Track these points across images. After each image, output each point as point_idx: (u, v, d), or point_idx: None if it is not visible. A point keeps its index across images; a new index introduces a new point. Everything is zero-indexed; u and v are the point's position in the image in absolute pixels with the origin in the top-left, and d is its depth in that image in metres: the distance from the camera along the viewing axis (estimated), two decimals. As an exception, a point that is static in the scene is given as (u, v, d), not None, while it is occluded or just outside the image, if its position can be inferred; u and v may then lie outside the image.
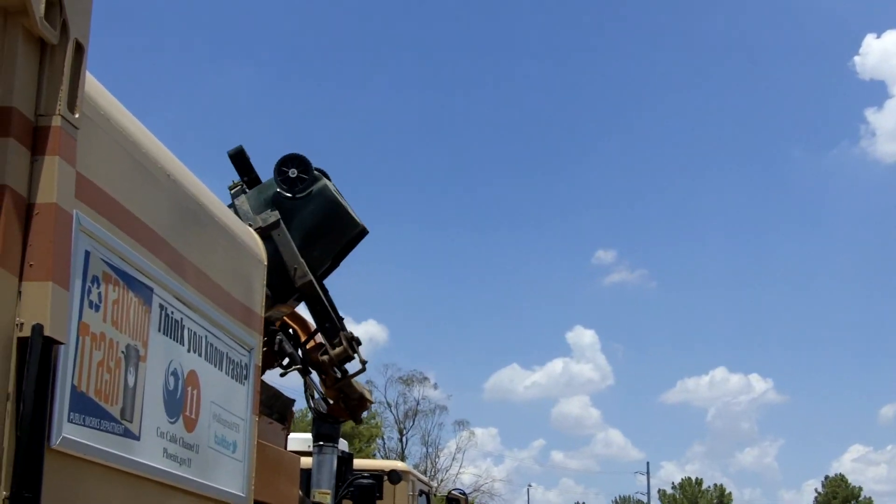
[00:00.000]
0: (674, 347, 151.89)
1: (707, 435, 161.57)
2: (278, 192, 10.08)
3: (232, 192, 10.29)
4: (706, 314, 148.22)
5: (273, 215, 9.92)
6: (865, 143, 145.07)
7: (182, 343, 6.60)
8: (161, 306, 6.29)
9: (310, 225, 10.11)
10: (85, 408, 5.40)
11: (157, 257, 6.22)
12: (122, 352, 5.81)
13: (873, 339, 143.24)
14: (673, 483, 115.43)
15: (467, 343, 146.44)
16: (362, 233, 10.71)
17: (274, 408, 9.76)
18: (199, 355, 6.85)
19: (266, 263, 8.33)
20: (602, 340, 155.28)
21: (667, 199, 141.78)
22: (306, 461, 10.50)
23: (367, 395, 11.19)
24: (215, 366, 7.11)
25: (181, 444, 6.53)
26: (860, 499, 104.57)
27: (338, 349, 10.47)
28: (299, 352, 10.80)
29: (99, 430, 5.53)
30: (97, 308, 5.54)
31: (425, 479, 13.58)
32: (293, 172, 10.09)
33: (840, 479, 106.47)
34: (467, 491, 12.64)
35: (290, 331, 11.01)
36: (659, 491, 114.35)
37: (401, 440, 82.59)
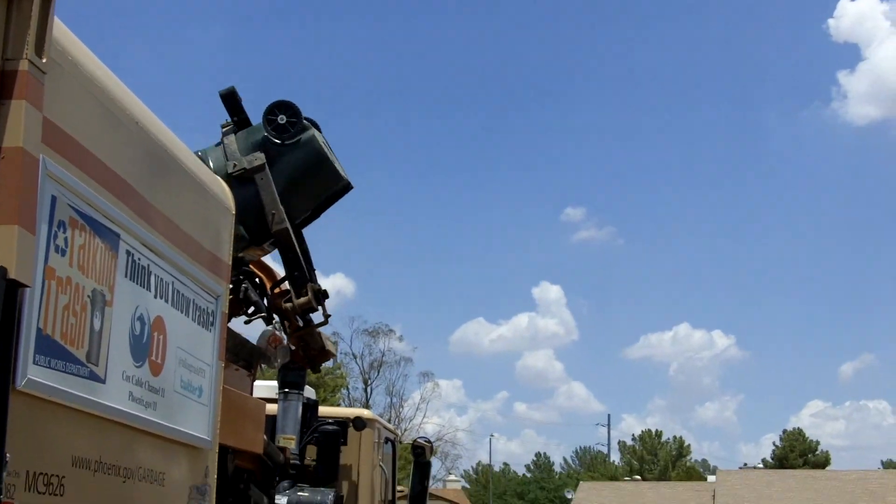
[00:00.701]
0: (638, 304, 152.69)
1: (668, 389, 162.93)
2: (266, 136, 10.08)
3: (223, 130, 10.29)
4: (671, 272, 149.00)
5: (258, 158, 9.93)
6: (837, 104, 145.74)
7: (148, 289, 6.64)
8: (128, 252, 6.33)
9: (293, 173, 10.12)
10: (50, 350, 5.44)
11: (124, 203, 6.25)
12: (88, 296, 5.84)
13: (835, 298, 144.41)
14: (633, 435, 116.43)
15: (434, 296, 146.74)
16: (346, 188, 10.73)
17: (240, 355, 9.82)
18: (166, 301, 6.89)
19: (234, 212, 8.36)
20: (568, 296, 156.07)
21: (638, 159, 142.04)
22: (272, 408, 10.57)
23: (331, 347, 11.24)
24: (182, 312, 7.15)
25: (147, 387, 6.58)
26: (817, 452, 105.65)
27: (302, 299, 10.50)
28: (265, 300, 10.84)
29: (64, 372, 5.58)
30: (63, 253, 5.58)
31: (391, 426, 13.68)
32: (282, 119, 10.08)
33: (798, 434, 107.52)
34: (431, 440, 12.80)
35: (257, 280, 11.05)
36: (619, 442, 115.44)
37: (365, 390, 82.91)
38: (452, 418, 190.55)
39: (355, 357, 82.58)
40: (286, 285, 10.76)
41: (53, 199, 5.45)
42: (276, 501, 10.20)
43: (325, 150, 10.45)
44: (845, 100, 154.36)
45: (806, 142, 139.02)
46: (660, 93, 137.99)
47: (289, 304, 10.52)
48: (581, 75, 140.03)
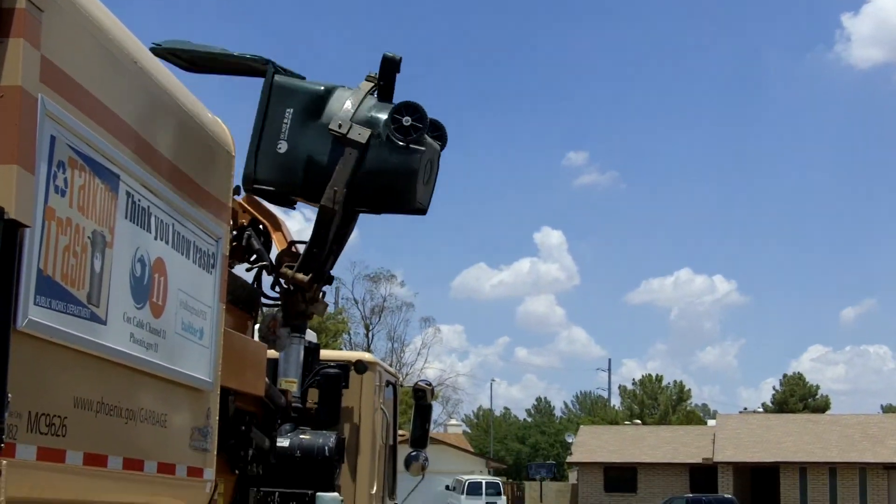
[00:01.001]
0: (640, 249, 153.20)
1: (669, 334, 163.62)
2: (385, 125, 9.95)
3: (367, 85, 10.22)
4: (674, 217, 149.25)
5: (362, 134, 9.83)
6: (840, 48, 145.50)
7: (149, 230, 6.61)
8: (128, 193, 6.30)
9: (378, 169, 10.00)
10: (51, 291, 5.43)
11: (123, 144, 6.21)
12: (89, 237, 5.82)
13: (837, 243, 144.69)
14: (633, 379, 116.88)
15: (436, 242, 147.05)
16: (417, 211, 10.68)
17: (241, 298, 9.81)
18: (166, 243, 6.87)
19: (234, 154, 8.30)
20: (569, 241, 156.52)
21: (640, 103, 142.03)
22: (273, 351, 10.57)
23: (318, 311, 11.16)
24: (182, 254, 7.13)
25: (148, 329, 6.58)
26: (817, 397, 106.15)
27: (300, 275, 10.45)
28: (271, 255, 10.84)
29: (65, 313, 5.57)
30: (63, 193, 5.55)
31: (392, 370, 13.69)
32: (407, 120, 9.87)
33: (798, 378, 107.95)
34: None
35: (261, 226, 11.02)
36: (619, 387, 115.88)
37: (367, 336, 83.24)
38: (453, 363, 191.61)
39: (356, 302, 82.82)
40: (296, 248, 10.78)
41: (52, 138, 5.41)
42: (278, 444, 10.23)
43: (422, 170, 10.26)
44: (849, 43, 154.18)
45: (809, 85, 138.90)
46: (663, 36, 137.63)
47: (288, 270, 10.49)
48: (584, 18, 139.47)
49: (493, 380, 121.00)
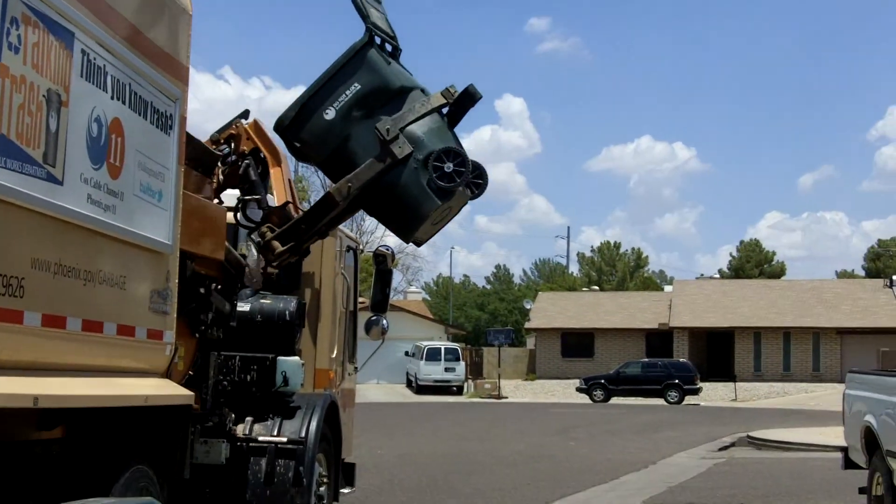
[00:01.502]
0: (601, 116, 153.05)
1: (628, 201, 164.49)
2: (426, 159, 9.58)
3: (441, 99, 9.79)
4: (636, 84, 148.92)
5: (403, 148, 9.45)
6: None
7: (105, 90, 6.49)
8: (83, 51, 6.16)
9: (397, 192, 9.67)
10: (6, 150, 5.34)
11: (78, 1, 6.06)
12: (44, 96, 5.71)
13: (797, 109, 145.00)
14: (592, 247, 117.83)
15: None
16: (411, 242, 10.59)
17: (200, 161, 9.70)
18: (123, 103, 6.75)
19: (191, 14, 8.12)
20: (531, 109, 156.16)
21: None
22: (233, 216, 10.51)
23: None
24: (139, 114, 7.01)
25: (105, 190, 6.49)
26: (773, 263, 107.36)
27: (278, 244, 10.21)
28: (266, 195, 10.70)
29: (21, 173, 5.48)
30: (17, 50, 5.42)
31: (352, 235, 13.68)
32: (448, 167, 9.52)
33: (755, 244, 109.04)
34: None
35: (262, 155, 10.83)
36: (578, 254, 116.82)
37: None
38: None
39: (317, 170, 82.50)
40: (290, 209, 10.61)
41: (5, -6, 5.27)
42: (239, 308, 10.23)
43: (437, 214, 9.98)
44: None
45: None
46: None
47: (269, 231, 10.26)
48: None
49: (452, 248, 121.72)
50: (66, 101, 5.95)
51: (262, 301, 10.47)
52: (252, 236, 10.33)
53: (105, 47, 6.44)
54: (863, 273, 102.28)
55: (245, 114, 11.10)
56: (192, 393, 7.84)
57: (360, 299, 14.56)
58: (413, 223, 9.98)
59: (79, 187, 6.15)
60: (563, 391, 59.50)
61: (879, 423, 10.94)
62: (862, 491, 11.85)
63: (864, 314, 66.23)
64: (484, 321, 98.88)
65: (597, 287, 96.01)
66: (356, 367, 13.74)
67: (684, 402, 51.06)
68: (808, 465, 22.40)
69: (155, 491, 7.23)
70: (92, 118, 6.31)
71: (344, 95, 9.66)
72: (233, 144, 10.75)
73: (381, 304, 13.01)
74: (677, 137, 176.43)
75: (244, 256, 10.51)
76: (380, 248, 12.97)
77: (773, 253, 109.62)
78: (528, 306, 79.31)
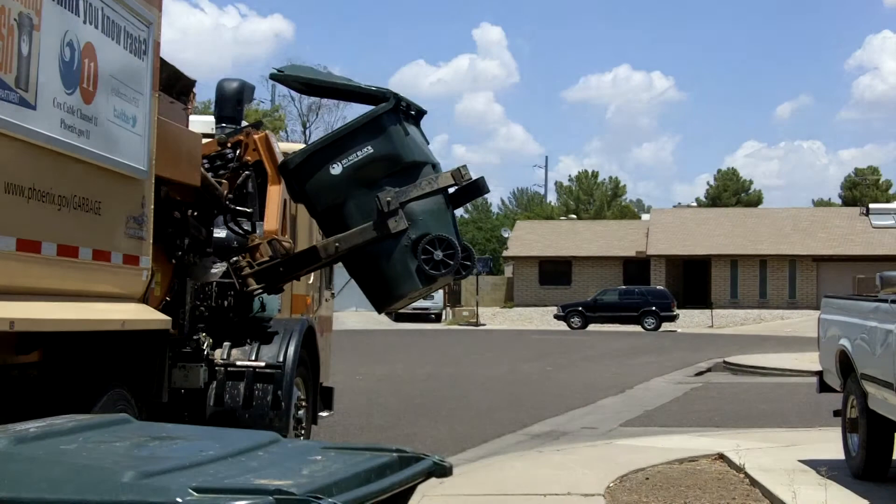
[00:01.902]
0: (579, 45, 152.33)
1: (606, 131, 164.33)
2: (417, 243, 9.36)
3: (447, 179, 9.56)
4: (614, 12, 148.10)
5: (399, 226, 9.21)
6: None
7: (77, 14, 6.46)
8: (54, -25, 6.13)
9: (381, 264, 9.43)
10: (-22, 74, 5.33)
11: (47, -76, 6.02)
12: (15, 19, 5.69)
13: (775, 39, 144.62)
14: (570, 176, 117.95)
15: (373, 39, 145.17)
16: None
17: (175, 87, 9.65)
18: (96, 27, 6.72)
19: None
20: (509, 37, 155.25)
21: None
22: (209, 142, 10.49)
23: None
24: (113, 39, 6.98)
25: (79, 115, 6.49)
26: (750, 192, 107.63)
27: (252, 280, 10.04)
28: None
29: (-7, 97, 5.48)
30: (-14, -27, 5.40)
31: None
32: (438, 255, 9.29)
33: (732, 173, 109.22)
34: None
35: (264, 169, 10.73)
36: (556, 183, 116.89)
37: (304, 133, 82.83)
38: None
39: (293, 99, 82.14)
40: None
41: (-28, -85, 5.23)
42: (215, 235, 10.24)
43: (417, 294, 9.86)
44: None
45: None
46: None
47: (247, 267, 10.08)
48: None
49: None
50: (37, 25, 5.93)
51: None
52: (230, 261, 10.16)
53: (76, -29, 6.40)
54: (839, 201, 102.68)
55: (258, 125, 11.07)
56: (168, 318, 7.89)
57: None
58: (389, 298, 9.82)
59: (52, 112, 6.15)
60: (541, 318, 59.84)
61: (854, 346, 11.03)
62: (837, 413, 11.91)
63: (840, 242, 66.59)
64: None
65: (574, 216, 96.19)
66: (333, 294, 13.79)
67: (661, 329, 51.42)
68: (783, 389, 22.64)
69: (133, 414, 7.29)
70: (64, 42, 6.29)
71: (354, 155, 9.42)
72: (238, 151, 10.62)
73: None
74: (655, 66, 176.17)
75: (220, 183, 10.50)
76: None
77: (751, 182, 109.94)
78: (505, 235, 79.43)
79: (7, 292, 5.78)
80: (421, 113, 10.08)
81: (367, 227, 9.31)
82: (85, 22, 6.57)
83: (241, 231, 10.39)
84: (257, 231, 10.39)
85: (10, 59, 5.66)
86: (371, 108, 9.56)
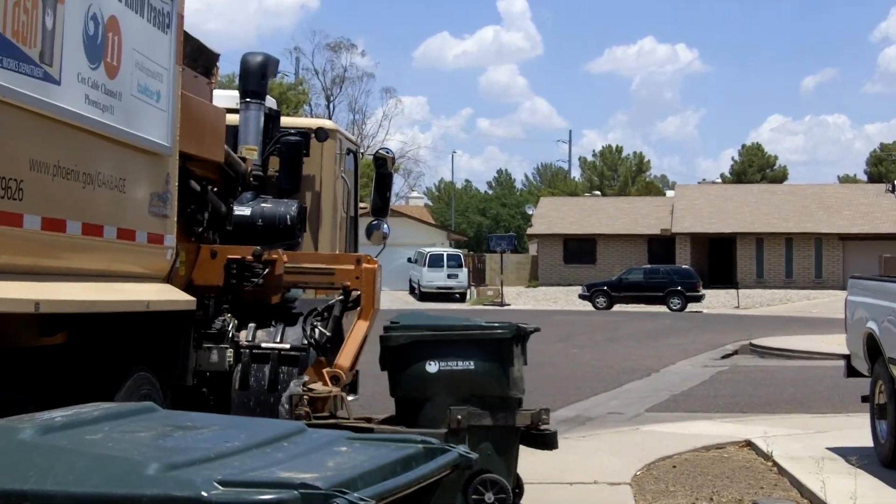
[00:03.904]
0: (604, 17, 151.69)
1: (630, 104, 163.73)
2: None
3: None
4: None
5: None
6: None
7: (101, -14, 6.33)
8: (77, -54, 6.00)
9: None
10: (2, 48, 5.21)
11: None
12: (39, -8, 5.57)
13: (800, 11, 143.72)
14: (594, 151, 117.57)
15: (398, 11, 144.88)
16: None
17: (199, 61, 9.52)
18: (120, 0, 6.59)
19: None
20: (533, 9, 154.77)
21: None
22: (233, 118, 10.37)
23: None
24: (136, 12, 6.85)
25: (103, 90, 6.37)
26: (775, 167, 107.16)
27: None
28: None
29: (18, 72, 5.37)
30: (10, -55, 5.27)
31: (353, 137, 13.52)
32: (489, 497, 8.50)
33: (756, 148, 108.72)
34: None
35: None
36: (580, 158, 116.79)
37: (328, 107, 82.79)
38: (415, 136, 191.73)
39: (317, 73, 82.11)
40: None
41: None
42: (240, 212, 10.12)
43: None
44: None
45: None
46: None
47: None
48: None
49: (454, 152, 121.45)
50: (61, -1, 5.80)
51: (262, 205, 10.35)
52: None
53: (101, -57, 6.27)
54: (865, 178, 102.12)
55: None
56: (193, 298, 7.78)
57: (361, 204, 14.45)
58: None
59: (76, 87, 6.03)
60: (566, 298, 59.65)
61: (882, 329, 10.80)
62: (865, 399, 11.70)
63: (865, 219, 66.19)
64: (486, 227, 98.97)
65: (598, 192, 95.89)
66: (360, 273, 13.66)
67: (687, 310, 51.18)
68: (810, 373, 22.44)
69: (158, 396, 7.19)
70: (88, 16, 6.17)
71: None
72: (267, 270, 9.88)
73: (382, 208, 12.89)
74: (680, 39, 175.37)
75: (243, 160, 10.38)
76: (380, 152, 12.79)
77: (776, 157, 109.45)
78: (529, 211, 79.27)
79: (31, 272, 5.68)
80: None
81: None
82: (109, -6, 6.44)
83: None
84: None
85: (35, 34, 5.53)
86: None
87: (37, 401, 6.01)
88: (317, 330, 9.66)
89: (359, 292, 9.77)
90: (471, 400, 8.72)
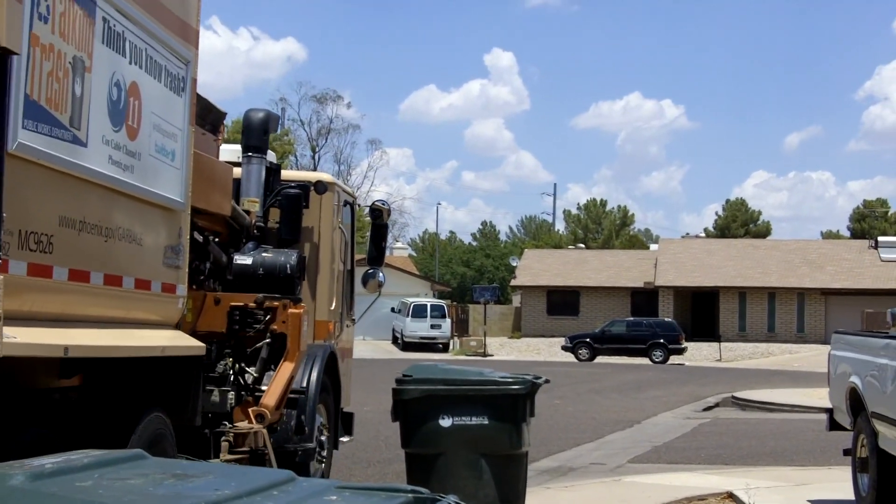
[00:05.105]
0: (591, 72, 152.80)
1: (615, 159, 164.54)
2: None
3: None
4: (626, 40, 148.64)
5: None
6: None
7: (124, 55, 6.79)
8: (104, 19, 6.46)
9: None
10: (37, 115, 5.65)
11: (97, -30, 6.34)
12: (70, 62, 6.01)
13: (785, 69, 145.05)
14: (578, 204, 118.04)
15: (384, 63, 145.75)
16: None
17: (207, 119, 9.99)
18: (140, 67, 7.06)
19: None
20: (520, 63, 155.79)
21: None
22: (236, 171, 10.80)
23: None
24: (155, 78, 7.32)
25: (125, 151, 6.81)
26: (758, 222, 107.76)
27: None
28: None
29: (50, 136, 5.80)
30: (46, 20, 5.71)
31: (350, 189, 13.97)
32: None
33: (740, 203, 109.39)
34: (379, 207, 13.04)
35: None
36: (564, 211, 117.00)
37: (313, 157, 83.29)
38: (401, 187, 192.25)
39: (303, 124, 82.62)
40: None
41: (35, -33, 5.54)
42: (242, 262, 10.52)
43: None
44: None
45: None
46: None
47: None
48: None
49: (439, 203, 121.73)
50: (89, 67, 6.26)
51: (263, 254, 10.76)
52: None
53: (123, 13, 6.75)
54: (848, 234, 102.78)
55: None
56: (203, 344, 8.19)
57: (358, 256, 14.84)
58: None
59: (101, 149, 6.47)
60: (549, 349, 59.81)
61: (864, 384, 10.98)
62: (847, 452, 11.82)
63: (848, 275, 66.68)
64: (470, 278, 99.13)
65: (583, 245, 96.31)
66: (354, 320, 14.08)
67: (669, 362, 51.42)
68: (792, 426, 22.74)
69: (170, 435, 7.59)
70: (112, 82, 6.62)
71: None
72: (269, 317, 10.26)
73: (377, 258, 13.35)
74: (666, 95, 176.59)
75: (247, 212, 10.81)
76: (376, 203, 13.27)
77: (759, 212, 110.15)
78: (514, 263, 79.57)
79: (59, 319, 6.10)
80: None
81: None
82: (130, 62, 6.90)
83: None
84: None
85: (66, 100, 5.97)
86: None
87: (62, 437, 6.45)
88: (245, 373, 10.03)
89: (285, 335, 10.08)
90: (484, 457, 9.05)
